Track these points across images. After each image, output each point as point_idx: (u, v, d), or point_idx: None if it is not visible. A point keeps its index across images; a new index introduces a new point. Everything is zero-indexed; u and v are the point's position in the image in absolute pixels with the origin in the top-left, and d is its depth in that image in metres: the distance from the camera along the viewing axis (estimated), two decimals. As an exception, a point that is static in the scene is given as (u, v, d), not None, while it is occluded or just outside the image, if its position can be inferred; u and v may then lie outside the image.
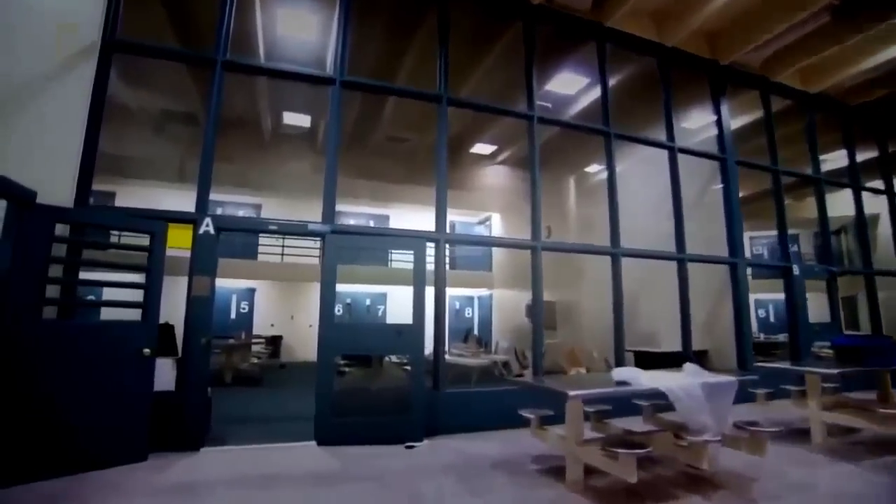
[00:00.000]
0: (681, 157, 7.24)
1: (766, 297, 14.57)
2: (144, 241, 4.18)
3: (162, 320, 4.26)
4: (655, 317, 8.49)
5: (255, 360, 10.34)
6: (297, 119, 10.92)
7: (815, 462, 4.12)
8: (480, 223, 17.16)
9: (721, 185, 7.79)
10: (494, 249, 15.68)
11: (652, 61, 7.48)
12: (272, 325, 14.25)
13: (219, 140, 4.94)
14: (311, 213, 5.56)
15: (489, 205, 15.06)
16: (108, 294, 4.58)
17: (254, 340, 11.46)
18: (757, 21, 6.95)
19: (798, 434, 4.79)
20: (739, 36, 7.30)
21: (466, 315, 17.60)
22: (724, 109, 7.84)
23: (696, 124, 8.86)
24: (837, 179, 9.29)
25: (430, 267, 5.26)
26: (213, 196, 4.80)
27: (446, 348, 6.02)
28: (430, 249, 5.37)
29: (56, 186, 4.00)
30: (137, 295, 4.07)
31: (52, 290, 3.93)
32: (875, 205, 9.75)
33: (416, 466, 3.96)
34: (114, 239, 9.72)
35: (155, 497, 3.19)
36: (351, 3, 5.71)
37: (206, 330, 4.43)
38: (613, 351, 6.24)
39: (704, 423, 3.39)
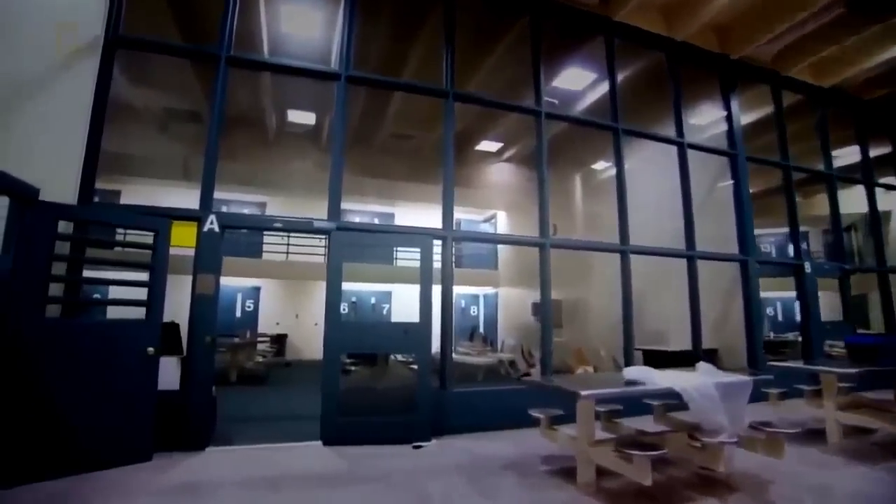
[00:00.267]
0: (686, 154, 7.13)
1: (772, 295, 14.41)
2: (148, 239, 4.14)
3: (167, 319, 4.22)
4: (663, 315, 8.40)
5: (261, 359, 10.31)
6: (301, 117, 10.85)
7: (832, 464, 4.03)
8: (485, 221, 17.08)
9: (727, 183, 7.68)
10: (500, 247, 15.61)
11: (660, 56, 7.37)
12: (277, 324, 14.23)
13: (223, 138, 4.90)
14: (315, 211, 5.50)
15: (494, 203, 14.96)
16: (114, 293, 4.55)
17: (259, 339, 11.44)
18: (769, 13, 6.81)
19: (812, 434, 4.69)
20: (750, 29, 7.17)
21: (472, 313, 17.54)
22: (735, 104, 7.71)
23: (704, 120, 8.74)
24: (850, 175, 9.13)
25: (436, 265, 5.19)
26: (217, 194, 4.75)
27: (453, 347, 5.96)
28: (436, 247, 5.30)
29: (59, 184, 3.95)
30: (142, 293, 4.02)
31: (56, 289, 3.89)
32: (887, 201, 9.58)
33: (424, 467, 3.90)
34: (118, 237, 9.72)
35: (159, 498, 3.15)
36: (356, -3, 5.65)
37: (210, 328, 4.38)
38: (621, 349, 6.15)
39: (720, 423, 3.30)
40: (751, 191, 7.76)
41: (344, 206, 5.19)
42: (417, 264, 5.14)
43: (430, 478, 3.65)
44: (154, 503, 3.08)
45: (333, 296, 4.75)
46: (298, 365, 12.32)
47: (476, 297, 17.65)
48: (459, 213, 15.28)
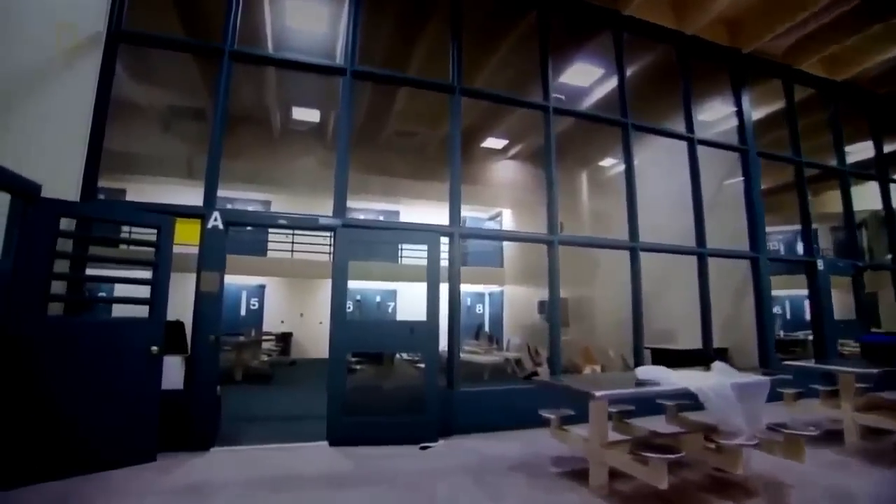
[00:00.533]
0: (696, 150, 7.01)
1: (781, 293, 14.22)
2: (152, 236, 4.08)
3: (172, 317, 4.16)
4: (672, 313, 8.28)
5: (266, 358, 10.28)
6: (306, 114, 10.79)
7: (851, 466, 3.92)
8: (491, 219, 16.98)
9: (735, 180, 7.53)
10: (506, 245, 15.49)
11: (669, 51, 7.25)
12: (282, 322, 14.20)
13: (227, 136, 4.83)
14: (320, 209, 5.44)
15: (500, 200, 14.85)
16: (119, 291, 4.49)
17: (264, 337, 11.41)
18: (781, 6, 6.66)
19: (829, 436, 4.57)
20: (762, 22, 7.01)
21: (477, 311, 17.46)
22: (746, 99, 7.58)
23: (714, 116, 8.60)
24: (864, 171, 8.96)
25: (442, 263, 5.11)
26: (221, 193, 4.69)
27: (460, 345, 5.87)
28: (443, 245, 5.22)
29: (61, 182, 3.90)
30: (146, 291, 3.96)
31: (59, 287, 3.84)
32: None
33: (432, 468, 3.83)
34: (123, 235, 9.69)
35: (163, 499, 3.09)
36: (361, -10, 5.56)
37: (215, 327, 4.31)
38: (630, 348, 6.05)
39: (737, 424, 3.21)
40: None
41: (349, 204, 5.11)
42: (422, 262, 5.05)
43: (438, 479, 3.58)
44: (158, 505, 3.02)
45: (339, 294, 4.67)
46: (303, 363, 12.29)
47: (481, 295, 17.57)
48: (465, 211, 15.11)
